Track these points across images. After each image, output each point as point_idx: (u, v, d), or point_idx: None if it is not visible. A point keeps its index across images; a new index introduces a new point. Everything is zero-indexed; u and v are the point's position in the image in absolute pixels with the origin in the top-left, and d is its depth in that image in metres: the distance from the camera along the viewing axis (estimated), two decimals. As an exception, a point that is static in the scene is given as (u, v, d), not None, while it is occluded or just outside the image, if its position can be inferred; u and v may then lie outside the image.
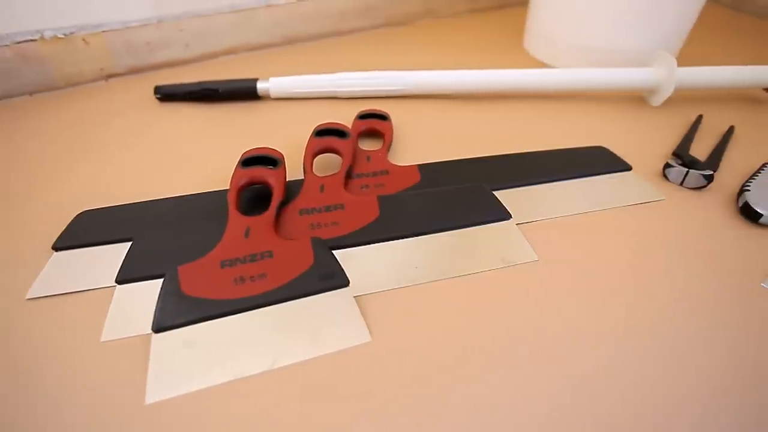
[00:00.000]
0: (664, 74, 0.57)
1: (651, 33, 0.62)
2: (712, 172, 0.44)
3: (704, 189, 0.46)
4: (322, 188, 0.40)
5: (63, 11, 0.55)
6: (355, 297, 0.33)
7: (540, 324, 0.32)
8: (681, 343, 0.32)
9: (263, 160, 0.40)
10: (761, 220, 0.41)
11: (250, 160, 0.40)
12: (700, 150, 0.51)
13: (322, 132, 0.45)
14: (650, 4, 0.60)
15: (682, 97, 0.61)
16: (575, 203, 0.42)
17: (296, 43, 0.75)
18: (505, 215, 0.39)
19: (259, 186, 0.40)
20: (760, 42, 0.83)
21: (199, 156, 0.48)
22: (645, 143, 0.52)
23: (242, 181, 0.38)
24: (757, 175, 0.45)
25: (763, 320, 0.33)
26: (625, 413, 0.28)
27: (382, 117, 0.51)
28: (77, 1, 0.55)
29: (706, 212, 0.43)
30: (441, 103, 0.58)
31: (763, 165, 0.47)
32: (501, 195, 0.42)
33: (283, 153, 0.42)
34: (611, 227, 0.41)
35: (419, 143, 0.50)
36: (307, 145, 0.44)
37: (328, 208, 0.38)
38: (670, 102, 0.59)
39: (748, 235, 0.41)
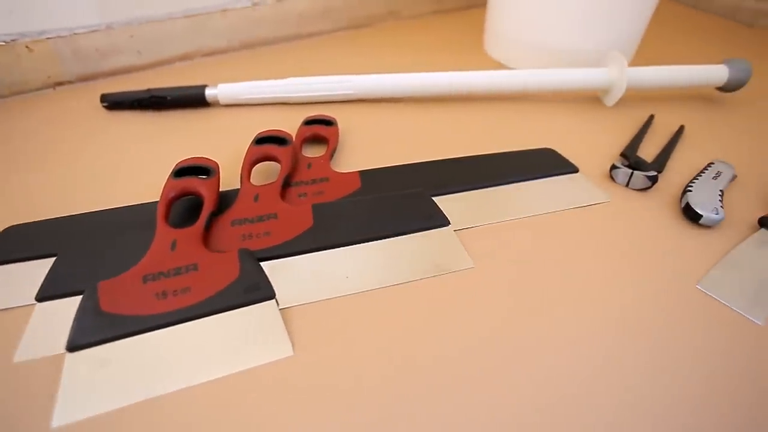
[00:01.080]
0: (616, 74, 0.56)
1: (606, 33, 0.62)
2: (656, 173, 0.44)
3: (650, 190, 0.45)
4: (256, 198, 0.39)
5: (2, 17, 0.54)
6: (282, 309, 0.33)
7: (470, 333, 0.32)
8: (617, 349, 0.31)
9: (196, 170, 0.39)
10: (701, 221, 0.41)
11: (182, 171, 0.39)
12: (651, 150, 0.51)
13: (262, 140, 0.44)
14: (603, 3, 0.59)
15: (638, 96, 0.61)
16: (518, 207, 0.42)
17: (255, 48, 0.74)
18: (443, 221, 0.39)
19: (193, 197, 0.39)
20: (720, 40, 0.83)
21: (140, 166, 0.47)
22: (598, 144, 0.52)
23: (172, 193, 0.37)
24: (701, 175, 0.45)
25: (696, 322, 0.33)
26: (562, 422, 0.27)
27: (328, 122, 0.50)
28: (17, 7, 0.54)
29: (650, 213, 0.42)
30: (394, 107, 0.57)
31: (708, 164, 0.47)
32: (443, 200, 0.42)
33: (226, 161, 0.41)
34: (553, 231, 0.40)
35: (368, 148, 0.50)
36: (246, 154, 0.43)
37: (260, 218, 0.38)
38: (625, 102, 0.59)
39: (690, 236, 0.40)
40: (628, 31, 0.64)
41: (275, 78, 0.57)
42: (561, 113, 0.58)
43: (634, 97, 0.61)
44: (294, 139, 0.46)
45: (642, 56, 0.71)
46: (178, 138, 0.51)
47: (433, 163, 0.46)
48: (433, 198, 0.42)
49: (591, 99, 0.61)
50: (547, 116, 0.57)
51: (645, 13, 0.63)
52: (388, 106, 0.57)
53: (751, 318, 0.33)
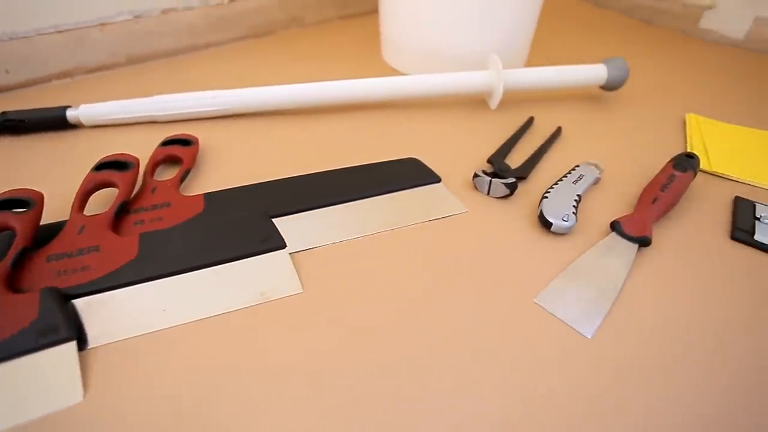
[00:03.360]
0: (495, 77, 0.56)
1: (493, 34, 0.62)
2: (515, 181, 0.43)
3: (511, 197, 0.44)
4: (81, 229, 0.37)
5: None
6: (90, 349, 0.30)
7: (286, 365, 0.30)
8: (451, 369, 0.30)
9: (13, 203, 0.37)
10: (552, 228, 0.40)
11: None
12: (528, 153, 0.50)
13: (102, 165, 0.42)
14: (486, 5, 0.59)
15: (526, 98, 0.61)
16: (370, 223, 0.41)
17: (145, 62, 0.71)
18: (279, 244, 0.37)
19: (9, 232, 0.36)
20: (619, 37, 0.84)
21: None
22: (476, 149, 0.51)
23: (-21, 229, 0.35)
24: (562, 180, 0.44)
25: (530, 337, 0.32)
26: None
27: (186, 142, 0.48)
28: None
29: (508, 223, 0.42)
30: (266, 121, 0.55)
31: (573, 168, 0.47)
32: (289, 220, 0.40)
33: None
34: (402, 246, 0.39)
35: (233, 166, 0.48)
36: (83, 181, 0.40)
37: (81, 252, 0.35)
38: (512, 104, 0.59)
39: (543, 244, 0.40)
40: (515, 31, 0.63)
41: (167, 92, 0.54)
42: (444, 119, 0.57)
43: (521, 98, 0.61)
44: (142, 162, 0.44)
45: (541, 54, 0.71)
46: (31, 165, 0.48)
47: (285, 181, 0.44)
48: (280, 218, 0.40)
49: (478, 103, 0.60)
50: (428, 123, 0.56)
51: (530, 14, 0.63)
52: (260, 121, 0.55)
53: (580, 331, 0.32)
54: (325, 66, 0.70)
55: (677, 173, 0.44)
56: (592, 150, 0.52)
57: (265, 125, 0.54)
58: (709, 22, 0.83)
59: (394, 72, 0.69)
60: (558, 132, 0.54)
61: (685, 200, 0.45)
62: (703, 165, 0.51)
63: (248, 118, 0.56)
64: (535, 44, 0.77)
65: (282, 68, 0.69)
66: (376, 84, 0.54)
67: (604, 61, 0.60)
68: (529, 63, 0.72)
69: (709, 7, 0.81)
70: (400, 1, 0.62)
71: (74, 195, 0.39)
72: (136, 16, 0.67)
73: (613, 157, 0.51)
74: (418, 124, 0.55)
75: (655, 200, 0.41)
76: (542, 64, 0.60)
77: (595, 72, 0.59)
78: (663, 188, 0.42)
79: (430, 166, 0.47)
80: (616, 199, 0.45)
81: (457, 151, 0.50)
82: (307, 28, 0.85)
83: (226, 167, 0.47)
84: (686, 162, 0.45)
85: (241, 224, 0.39)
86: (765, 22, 0.77)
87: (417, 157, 0.49)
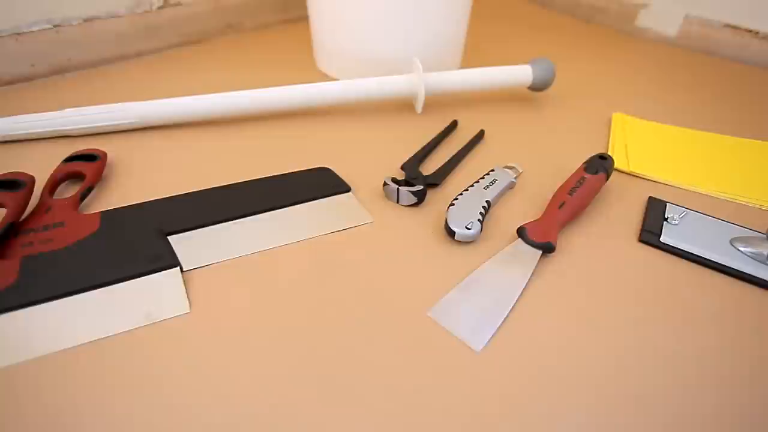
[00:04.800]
0: (416, 81, 0.55)
1: (420, 38, 0.61)
2: (422, 188, 0.43)
3: (421, 205, 0.43)
4: (-40, 254, 0.35)
5: None
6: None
7: (169, 387, 0.29)
8: (346, 385, 0.29)
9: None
10: (455, 237, 0.39)
11: None
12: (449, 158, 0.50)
13: (-9, 184, 0.40)
14: (410, 10, 0.58)
15: (456, 101, 0.60)
16: (271, 237, 0.40)
17: (71, 72, 0.69)
18: (171, 263, 0.36)
19: None
20: (559, 36, 0.84)
21: None
22: (396, 156, 0.50)
23: None
24: (473, 186, 0.44)
25: (423, 352, 0.32)
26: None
27: (91, 158, 0.46)
28: None
29: (415, 232, 0.41)
30: (185, 132, 0.54)
31: (489, 172, 0.46)
32: (187, 237, 0.39)
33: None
34: (303, 260, 0.38)
35: (142, 181, 0.46)
36: (-31, 202, 0.38)
37: (-45, 280, 0.33)
38: (439, 108, 0.58)
39: (449, 254, 0.39)
40: (445, 34, 0.63)
41: (94, 103, 0.53)
42: (368, 125, 0.56)
43: (450, 102, 0.60)
44: (42, 180, 0.42)
45: (480, 55, 0.71)
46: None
47: (188, 196, 0.43)
48: (178, 234, 0.39)
49: (405, 108, 0.60)
50: (351, 130, 0.55)
51: (459, 15, 0.62)
52: (177, 132, 0.54)
53: (470, 345, 0.32)
54: (258, 73, 0.69)
55: (587, 176, 0.44)
56: (515, 152, 0.52)
57: (181, 137, 0.53)
58: (644, 21, 0.83)
59: (327, 79, 0.67)
60: (480, 135, 0.54)
61: (600, 202, 0.45)
62: (621, 165, 0.51)
63: (164, 130, 0.54)
64: (475, 45, 0.77)
65: (215, 76, 0.68)
66: (295, 92, 0.53)
67: (531, 61, 0.59)
68: (466, 64, 0.71)
69: (643, 6, 0.81)
70: (328, 6, 0.61)
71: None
72: (56, 26, 0.65)
73: (534, 160, 0.51)
74: (339, 131, 0.54)
75: (562, 204, 0.41)
76: (479, 65, 0.60)
77: (521, 73, 0.58)
78: (571, 192, 0.42)
79: (349, 175, 0.47)
80: (531, 203, 0.45)
81: (378, 158, 0.50)
82: (245, 34, 0.84)
83: (135, 182, 0.46)
84: (598, 164, 0.45)
85: (133, 243, 0.37)
86: (695, 20, 0.78)
87: (335, 166, 0.48)
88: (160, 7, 0.73)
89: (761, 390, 0.30)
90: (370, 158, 0.50)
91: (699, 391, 0.30)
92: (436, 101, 0.61)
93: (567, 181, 0.44)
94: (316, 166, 0.48)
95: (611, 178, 0.49)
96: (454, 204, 0.41)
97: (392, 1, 0.57)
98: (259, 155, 0.50)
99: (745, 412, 0.29)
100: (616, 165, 0.50)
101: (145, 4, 0.71)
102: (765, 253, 0.39)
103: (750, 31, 0.74)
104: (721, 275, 0.39)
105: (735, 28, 0.76)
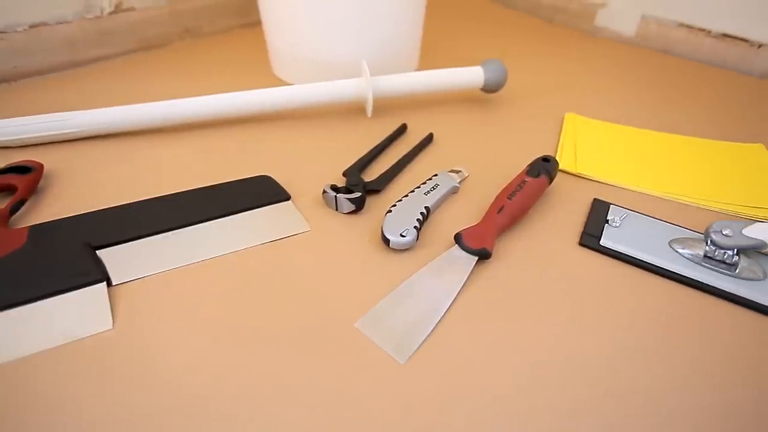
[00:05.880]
0: (364, 85, 0.54)
1: (372, 41, 0.60)
2: (360, 195, 0.42)
3: (361, 212, 0.43)
4: None
5: None
6: None
7: (84, 408, 0.28)
8: (273, 400, 0.28)
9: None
10: (390, 245, 0.38)
11: None
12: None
13: None
14: (360, 12, 0.58)
15: (408, 104, 0.60)
16: (205, 248, 0.39)
17: (19, 81, 0.68)
18: (97, 278, 0.35)
19: None
20: (521, 36, 0.84)
21: None
22: (343, 161, 0.50)
23: None
24: (414, 191, 0.43)
25: (349, 365, 0.31)
26: None
27: (25, 170, 0.45)
28: None
29: (352, 241, 0.41)
30: (129, 141, 0.53)
31: (432, 177, 0.46)
32: (119, 250, 0.38)
33: None
34: (236, 270, 0.37)
35: (79, 193, 0.45)
36: None
37: None
38: (391, 111, 0.58)
39: (384, 262, 0.39)
40: (399, 36, 0.62)
41: (38, 113, 0.51)
42: (318, 131, 0.56)
43: (402, 105, 0.60)
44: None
45: (440, 57, 0.71)
46: None
47: (122, 208, 0.42)
48: (110, 248, 0.38)
49: (356, 112, 0.59)
50: (299, 136, 0.55)
51: (412, 16, 0.62)
52: (120, 142, 0.53)
53: (394, 357, 0.31)
54: (215, 80, 0.68)
55: (529, 179, 0.43)
56: (464, 155, 0.52)
57: (125, 146, 0.52)
58: (602, 21, 0.83)
59: (283, 84, 0.67)
60: (429, 138, 0.53)
61: (544, 205, 0.45)
62: (569, 167, 0.51)
63: (108, 139, 0.53)
64: (435, 45, 0.77)
65: (171, 83, 0.67)
66: (239, 99, 0.52)
67: (482, 63, 0.59)
68: (424, 65, 0.71)
69: (602, 5, 0.82)
70: (279, 11, 0.61)
71: None
72: (1, 32, 0.63)
73: (483, 163, 0.51)
74: (286, 138, 0.54)
75: (501, 209, 0.41)
76: (438, 66, 0.59)
77: (473, 75, 0.58)
78: (511, 196, 0.42)
79: (292, 182, 0.46)
80: (476, 208, 0.44)
81: (323, 164, 0.49)
82: (203, 38, 0.83)
83: (71, 195, 0.45)
84: (540, 166, 0.45)
85: (59, 259, 0.36)
86: (651, 20, 0.78)
87: (279, 173, 0.47)
88: (111, 12, 0.71)
89: (694, 392, 0.30)
90: (316, 165, 0.49)
91: (634, 395, 0.30)
92: (388, 105, 0.61)
93: (508, 185, 0.43)
94: (258, 174, 0.46)
95: (558, 180, 0.49)
96: (391, 211, 0.41)
97: (341, 4, 0.56)
98: (202, 164, 0.49)
99: (677, 414, 0.29)
100: (564, 166, 0.50)
101: (95, 10, 0.70)
102: (701, 254, 0.39)
103: (703, 30, 0.75)
104: (659, 278, 0.39)
105: (689, 27, 0.76)
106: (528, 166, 0.45)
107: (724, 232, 0.38)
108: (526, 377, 0.31)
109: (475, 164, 0.50)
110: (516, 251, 0.40)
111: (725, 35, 0.73)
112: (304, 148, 0.52)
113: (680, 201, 0.47)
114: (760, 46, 0.70)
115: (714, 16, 0.73)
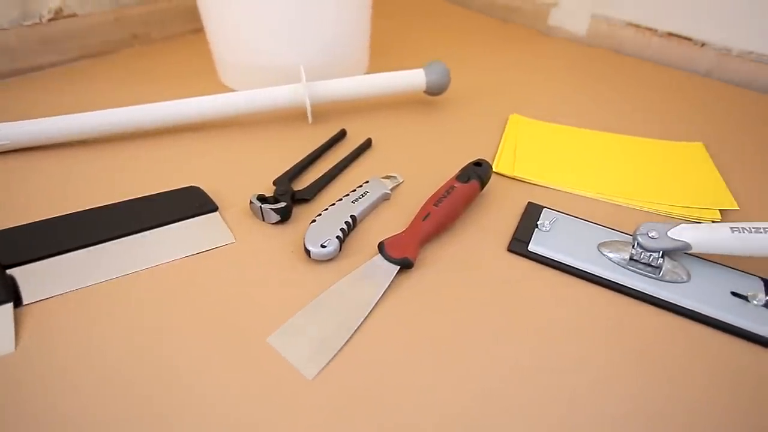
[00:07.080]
0: (301, 90, 0.53)
1: (315, 46, 0.60)
2: (285, 205, 0.41)
3: (288, 222, 0.42)
4: None
5: None
6: None
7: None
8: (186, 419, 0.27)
9: None
10: (311, 256, 0.38)
11: None
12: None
13: None
14: (300, 17, 0.57)
15: (351, 109, 0.59)
16: (124, 263, 0.38)
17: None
18: (2, 298, 0.34)
19: None
20: (476, 36, 0.84)
21: None
22: (277, 169, 0.49)
23: None
24: (341, 200, 0.43)
25: (258, 381, 0.30)
26: None
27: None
28: None
29: (276, 252, 0.40)
30: (56, 154, 0.51)
31: (363, 183, 0.45)
32: (32, 268, 0.37)
33: None
34: (155, 285, 0.36)
35: (7, 208, 0.44)
36: None
37: None
38: (333, 117, 0.57)
39: (306, 274, 0.38)
40: (344, 40, 0.62)
41: None
42: (254, 139, 0.55)
43: (344, 110, 0.59)
44: None
45: (392, 58, 0.70)
46: None
47: (39, 224, 0.41)
48: (22, 266, 0.37)
49: (298, 118, 0.58)
50: (233, 145, 0.54)
51: (357, 18, 0.61)
52: (48, 154, 0.51)
53: (303, 372, 0.30)
54: (162, 87, 0.67)
55: (458, 185, 0.43)
56: (402, 161, 0.51)
57: (49, 159, 0.50)
58: (555, 20, 0.83)
59: (228, 91, 0.65)
60: (367, 144, 0.52)
61: (477, 210, 0.45)
62: (506, 170, 0.50)
63: (28, 152, 0.51)
64: (387, 46, 0.76)
65: (117, 90, 0.65)
66: (175, 107, 0.51)
67: (425, 66, 0.58)
68: (374, 67, 0.70)
69: (554, 5, 0.82)
70: (219, 16, 0.60)
71: None
72: (-68, 42, 0.62)
73: (419, 168, 0.50)
74: (219, 147, 0.53)
75: (427, 216, 0.40)
76: (388, 68, 0.58)
77: (414, 78, 0.58)
78: (437, 203, 0.41)
79: (222, 192, 0.45)
80: (406, 215, 0.44)
81: (256, 173, 0.48)
82: (152, 45, 0.81)
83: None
84: (471, 171, 0.44)
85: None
86: (601, 19, 0.79)
87: (210, 183, 0.46)
88: (51, 19, 0.70)
89: (614, 396, 0.30)
90: (248, 174, 0.48)
91: (556, 404, 0.30)
92: (331, 110, 0.60)
93: (436, 192, 0.43)
94: (187, 185, 0.45)
95: (495, 183, 0.48)
96: (315, 221, 0.40)
97: (278, 9, 0.55)
98: (130, 175, 0.48)
99: (596, 419, 0.28)
100: (501, 169, 0.50)
101: (33, 17, 0.68)
102: (627, 258, 0.39)
103: (650, 29, 0.75)
104: (585, 282, 0.39)
105: (637, 26, 0.76)
106: (460, 171, 0.45)
107: (650, 234, 0.38)
108: (445, 390, 0.30)
109: (411, 169, 0.50)
110: (443, 258, 0.40)
111: (671, 34, 0.73)
112: (237, 157, 0.51)
113: (615, 202, 0.47)
114: (703, 44, 0.70)
115: (660, 15, 0.73)
